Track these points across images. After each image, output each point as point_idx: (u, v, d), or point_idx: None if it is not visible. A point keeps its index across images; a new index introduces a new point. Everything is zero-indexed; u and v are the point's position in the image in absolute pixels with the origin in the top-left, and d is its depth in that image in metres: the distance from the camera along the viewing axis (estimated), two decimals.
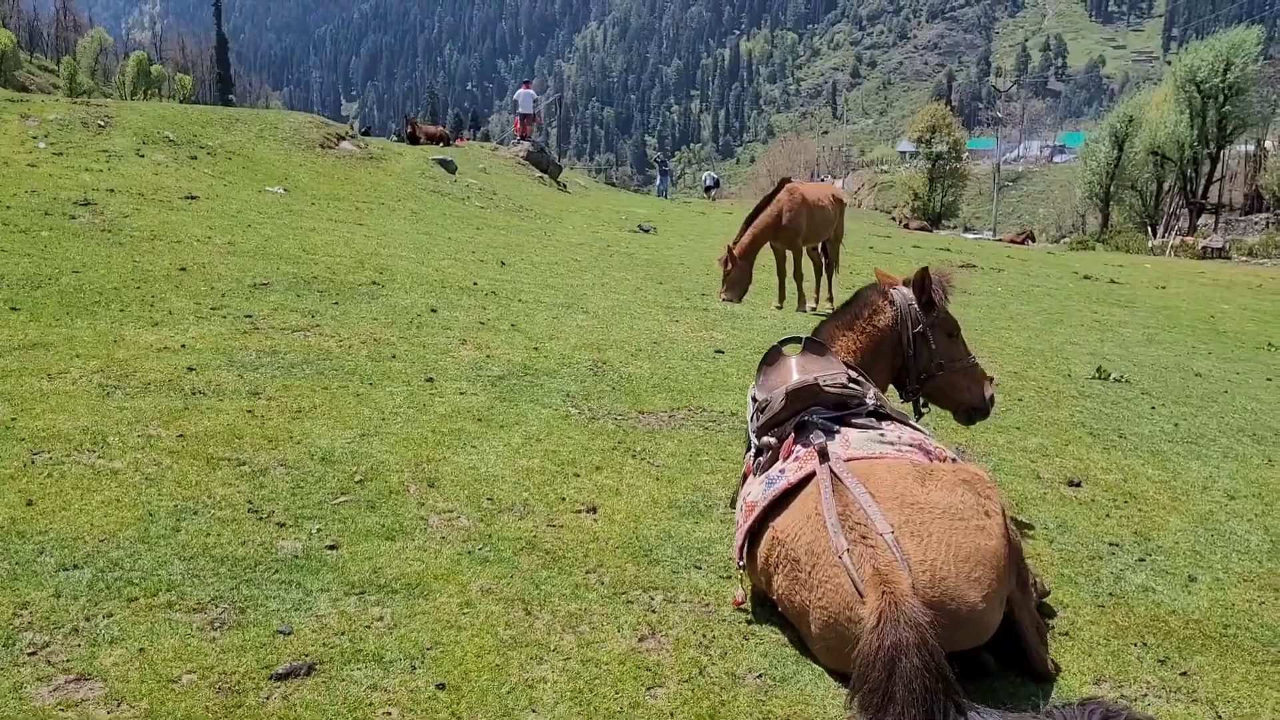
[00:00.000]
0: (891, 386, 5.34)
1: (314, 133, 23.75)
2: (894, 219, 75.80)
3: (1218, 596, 4.46)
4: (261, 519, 4.19)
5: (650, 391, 6.85)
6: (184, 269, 8.97)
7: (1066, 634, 3.97)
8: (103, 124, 20.19)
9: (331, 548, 4.00)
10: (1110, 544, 4.99)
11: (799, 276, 12.88)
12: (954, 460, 4.11)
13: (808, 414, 4.05)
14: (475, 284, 10.43)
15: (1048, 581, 4.38)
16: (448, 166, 26.71)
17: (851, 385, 4.41)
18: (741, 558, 3.92)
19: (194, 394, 5.69)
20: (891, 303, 5.17)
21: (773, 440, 4.19)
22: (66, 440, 4.80)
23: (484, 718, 3.03)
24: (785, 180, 12.98)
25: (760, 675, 3.45)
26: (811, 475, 3.79)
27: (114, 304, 7.59)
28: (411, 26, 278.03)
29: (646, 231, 24.17)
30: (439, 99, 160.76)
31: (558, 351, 7.67)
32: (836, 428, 4.01)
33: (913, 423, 4.44)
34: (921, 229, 54.57)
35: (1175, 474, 6.36)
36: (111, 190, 13.45)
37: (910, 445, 3.99)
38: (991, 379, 5.47)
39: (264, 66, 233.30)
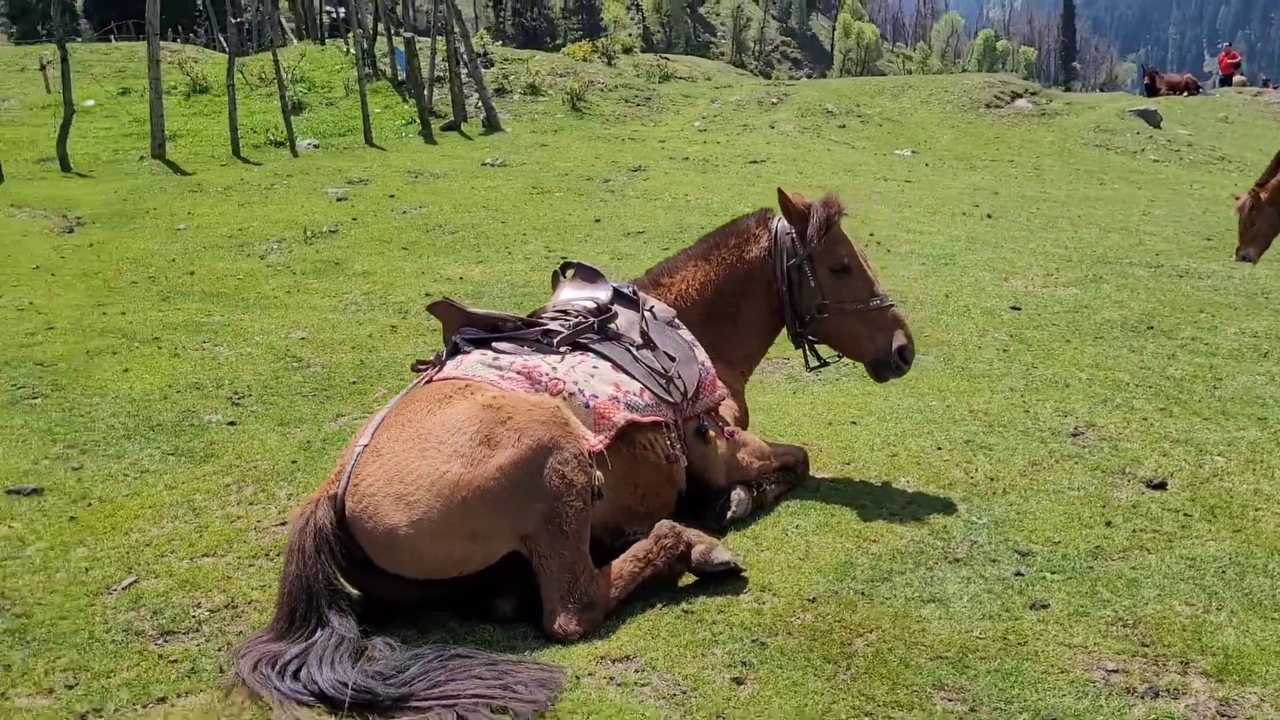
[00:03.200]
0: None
1: (984, 93, 23.33)
2: None
3: None
4: None
5: None
6: (598, 220, 10.36)
7: None
8: (776, 101, 22.74)
9: None
10: None
11: None
12: (572, 395, 3.55)
13: (459, 335, 3.83)
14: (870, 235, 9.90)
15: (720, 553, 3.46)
16: (1149, 118, 23.86)
17: (575, 312, 3.96)
18: None
19: None
20: (770, 232, 4.29)
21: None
22: None
23: None
24: None
25: None
26: None
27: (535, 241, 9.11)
28: None
29: None
30: None
31: None
32: (468, 349, 3.74)
33: (601, 351, 3.79)
34: None
35: None
36: (686, 158, 15.51)
37: (517, 373, 3.57)
38: (903, 326, 4.17)
39: (1119, 29, 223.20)
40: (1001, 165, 18.60)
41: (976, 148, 20.26)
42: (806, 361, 4.49)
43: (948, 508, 4.15)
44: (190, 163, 14.19)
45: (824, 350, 4.51)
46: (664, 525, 3.50)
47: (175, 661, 3.03)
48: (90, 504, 4.07)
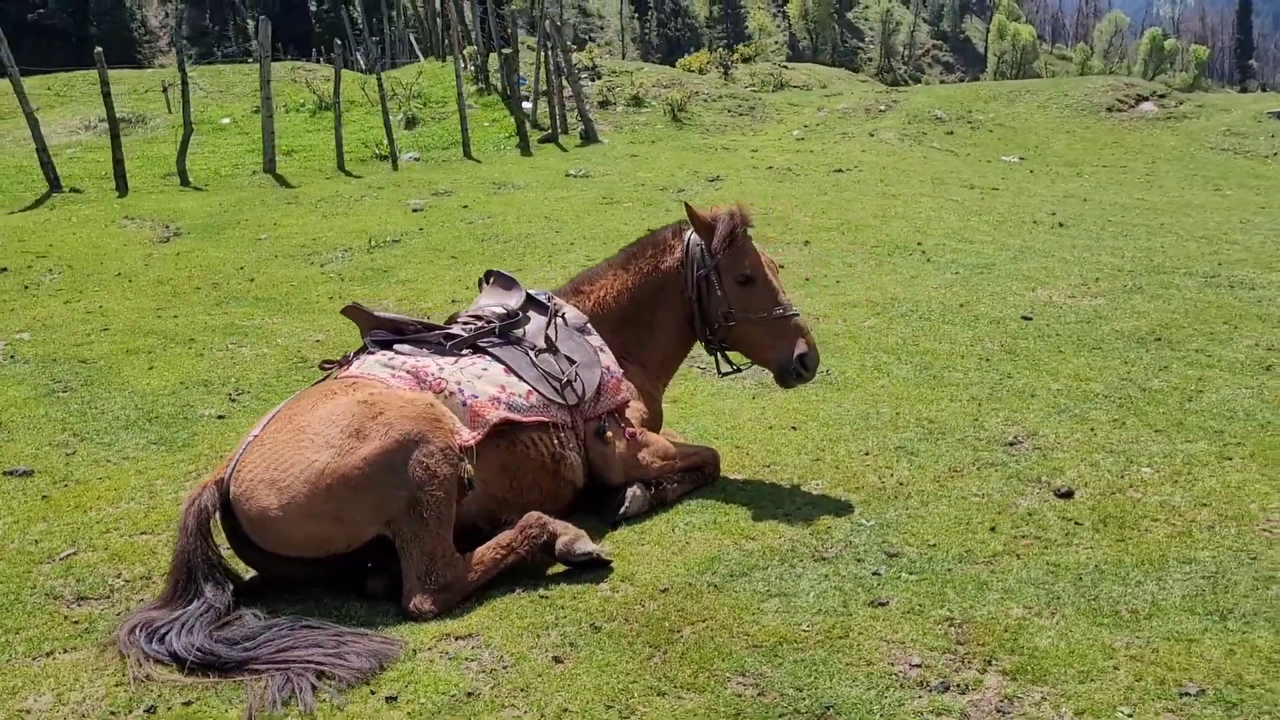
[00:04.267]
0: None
1: (1105, 97, 22.48)
2: None
3: None
4: None
5: None
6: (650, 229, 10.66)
7: None
8: (885, 108, 22.51)
9: None
10: None
11: None
12: (452, 394, 3.88)
13: (369, 336, 4.19)
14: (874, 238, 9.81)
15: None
16: None
17: (486, 318, 4.29)
18: None
19: None
20: (683, 244, 4.53)
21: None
22: None
23: None
24: None
25: None
26: None
27: (579, 250, 9.53)
28: None
29: None
30: None
31: None
32: (374, 349, 4.10)
33: (497, 355, 4.10)
34: None
35: None
36: (770, 168, 15.63)
37: (407, 372, 3.92)
38: (805, 335, 4.32)
39: None
40: (1112, 171, 17.96)
41: (1090, 153, 19.60)
42: (718, 367, 4.69)
43: (843, 510, 4.28)
44: (297, 176, 15.21)
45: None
46: (531, 516, 3.79)
47: (76, 623, 3.50)
48: (67, 485, 4.64)
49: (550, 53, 19.39)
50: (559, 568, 3.85)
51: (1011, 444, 4.95)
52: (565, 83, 19.03)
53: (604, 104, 21.17)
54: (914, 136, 19.68)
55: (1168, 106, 22.36)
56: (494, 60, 22.24)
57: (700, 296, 4.46)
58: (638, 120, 20.71)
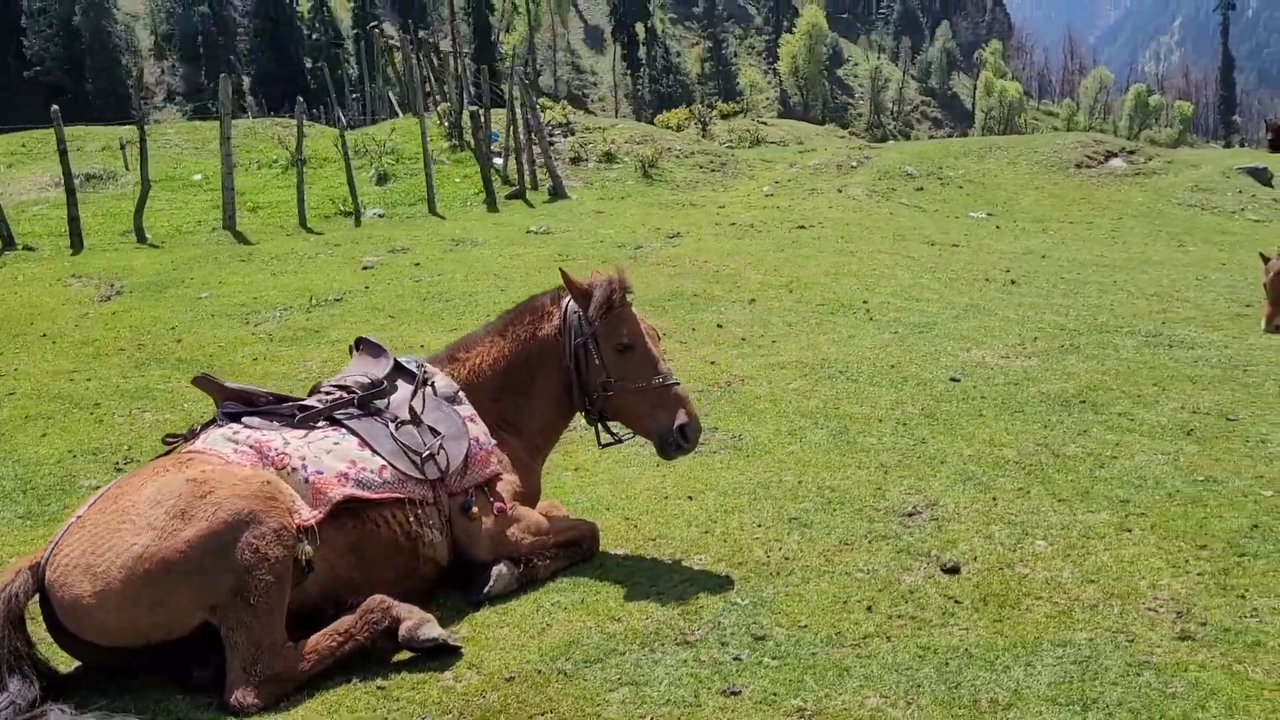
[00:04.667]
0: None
1: (1074, 153, 22.61)
2: None
3: None
4: None
5: None
6: None
7: None
8: (856, 164, 22.61)
9: None
10: None
11: None
12: (295, 470, 3.72)
13: (221, 408, 4.05)
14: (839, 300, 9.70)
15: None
16: (1259, 176, 22.64)
17: (350, 388, 4.15)
18: None
19: None
20: (561, 310, 4.41)
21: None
22: None
23: None
24: None
25: None
26: None
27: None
28: None
29: None
30: None
31: None
32: (223, 422, 3.96)
33: (353, 427, 3.96)
34: None
35: None
36: (734, 224, 15.60)
37: (250, 447, 3.77)
38: (686, 405, 4.18)
39: None
40: (1078, 227, 17.98)
41: (1057, 209, 19.65)
42: (598, 438, 4.54)
43: (720, 587, 4.11)
44: (257, 233, 15.16)
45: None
46: (374, 600, 3.61)
47: None
48: None
49: (522, 109, 19.48)
50: (405, 655, 3.67)
51: (910, 514, 4.79)
52: (535, 139, 19.11)
53: (576, 160, 21.25)
54: (882, 192, 19.73)
55: (1137, 163, 22.48)
56: (468, 117, 22.36)
57: (578, 365, 4.33)
58: (609, 176, 20.77)
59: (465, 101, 22.51)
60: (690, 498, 5.08)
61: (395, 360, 4.31)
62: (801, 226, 15.54)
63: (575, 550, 4.32)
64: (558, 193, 18.58)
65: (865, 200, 19.02)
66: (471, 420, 4.19)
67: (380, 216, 16.74)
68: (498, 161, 21.04)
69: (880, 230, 15.66)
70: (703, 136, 27.63)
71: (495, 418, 4.36)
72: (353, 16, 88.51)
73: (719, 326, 8.81)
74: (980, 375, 7.24)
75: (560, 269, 4.55)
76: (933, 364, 7.56)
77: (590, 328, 4.27)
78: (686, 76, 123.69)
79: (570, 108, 25.63)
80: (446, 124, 22.44)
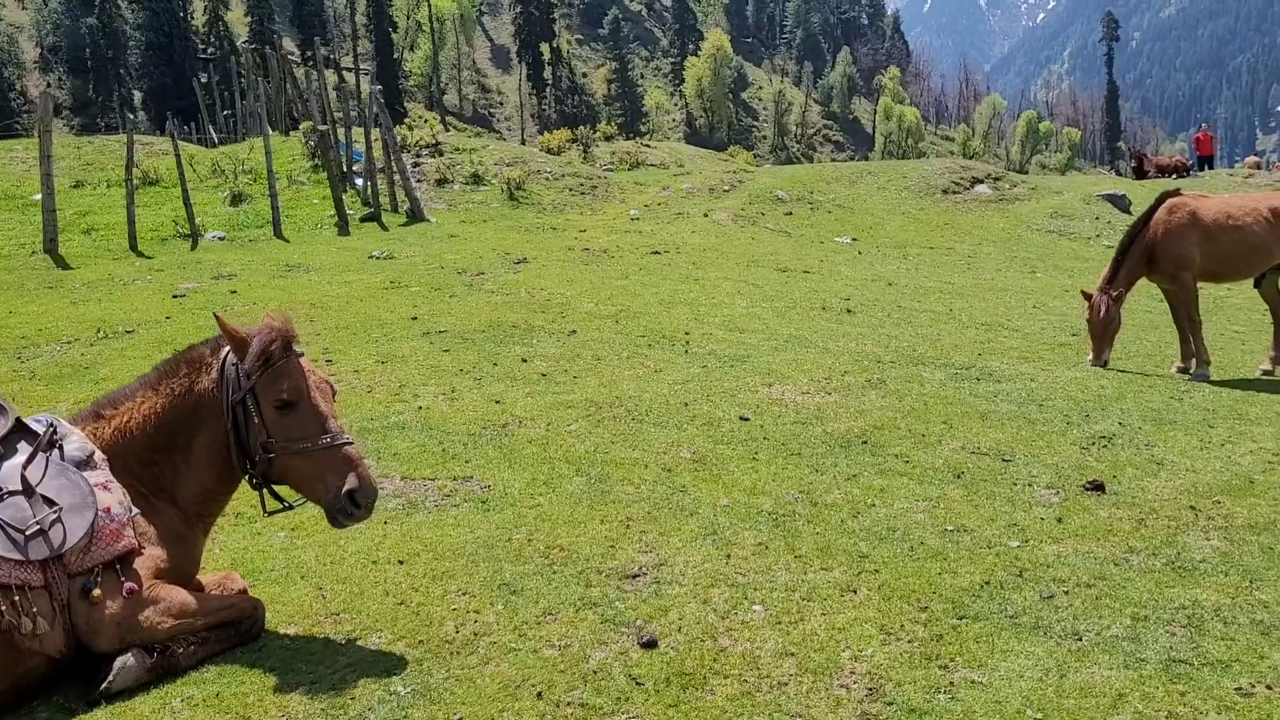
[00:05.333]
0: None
1: (943, 179, 22.91)
2: None
3: None
4: None
5: None
6: (415, 318, 10.08)
7: None
8: (729, 188, 22.54)
9: None
10: None
11: (1186, 325, 8.89)
12: None
13: None
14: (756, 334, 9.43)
15: None
16: (1118, 203, 23.28)
17: None
18: None
19: None
20: (219, 362, 3.93)
21: None
22: None
23: None
24: (1168, 193, 9.04)
25: None
26: None
27: (315, 345, 8.88)
28: None
29: None
30: None
31: None
32: None
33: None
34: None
35: None
36: (587, 249, 15.27)
37: None
38: (357, 467, 3.75)
39: (1169, 110, 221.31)
40: (937, 253, 18.11)
41: (920, 235, 19.80)
42: (263, 505, 4.08)
43: (389, 671, 3.68)
44: (82, 257, 14.29)
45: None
46: None
47: None
48: None
49: (381, 130, 18.91)
50: None
51: (633, 576, 4.44)
52: (393, 159, 18.55)
53: (442, 182, 20.73)
54: (750, 217, 19.65)
55: (1001, 189, 22.88)
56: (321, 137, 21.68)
57: (236, 424, 3.86)
58: (474, 199, 20.29)
59: (327, 120, 21.80)
60: (401, 561, 4.64)
61: (17, 419, 3.78)
62: (656, 252, 15.28)
63: (233, 632, 3.84)
64: (416, 215, 18.04)
65: (730, 225, 18.89)
66: (104, 488, 3.68)
67: (222, 240, 15.98)
68: (360, 183, 20.41)
69: (735, 256, 15.49)
70: (584, 158, 27.31)
71: (147, 483, 3.87)
72: (249, 31, 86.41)
73: (524, 361, 8.40)
74: (772, 414, 6.96)
75: (215, 315, 4.06)
76: (728, 401, 7.26)
77: (249, 382, 3.81)
78: (592, 97, 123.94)
79: (440, 127, 25.06)
80: (311, 143, 21.70)
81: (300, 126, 22.50)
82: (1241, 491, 5.54)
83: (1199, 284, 9.02)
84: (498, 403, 7.15)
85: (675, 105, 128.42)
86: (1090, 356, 8.98)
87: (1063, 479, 5.70)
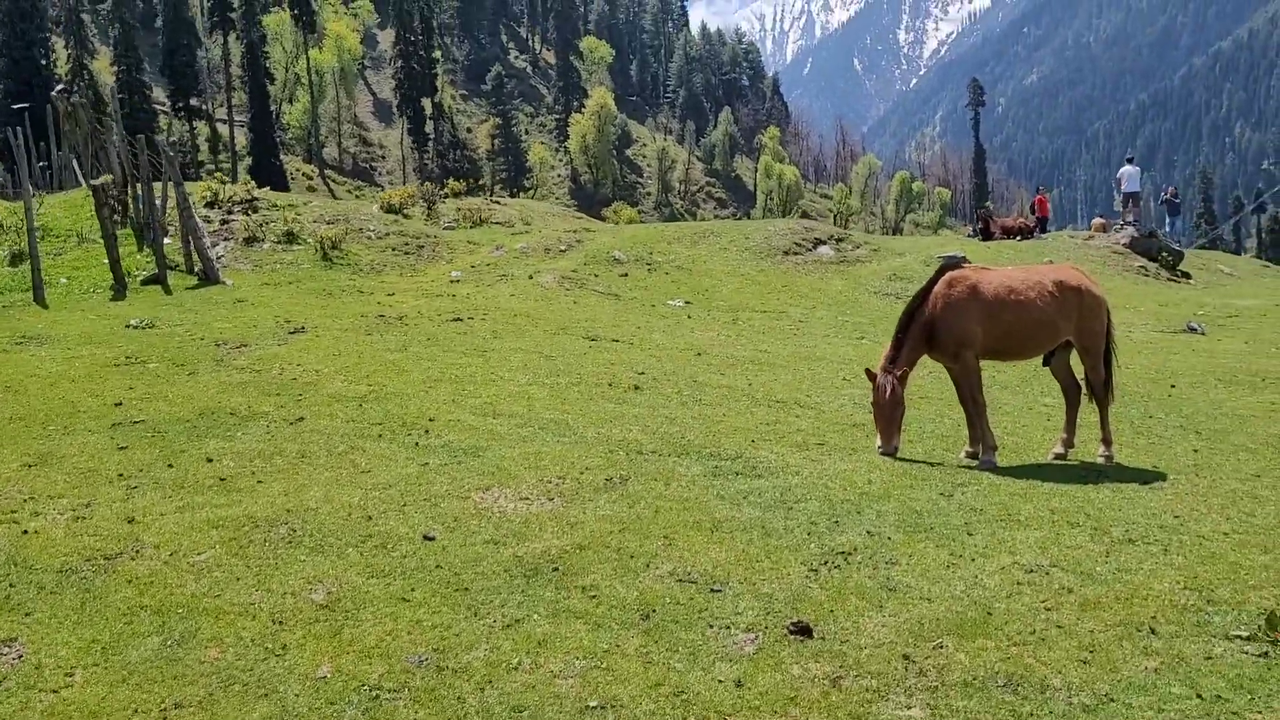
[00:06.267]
0: None
1: (784, 240, 22.43)
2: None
3: None
4: None
5: None
6: (119, 404, 8.71)
7: None
8: (566, 247, 21.59)
9: None
10: None
11: (970, 408, 8.17)
12: None
13: None
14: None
15: None
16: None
17: None
18: None
19: None
20: None
21: None
22: None
23: None
24: (949, 265, 8.38)
25: None
26: None
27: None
28: (1195, 109, 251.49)
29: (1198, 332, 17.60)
30: (1213, 183, 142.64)
31: None
32: None
33: None
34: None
35: None
36: (381, 316, 14.03)
37: None
38: None
39: (1033, 172, 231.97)
40: (768, 317, 17.42)
41: (756, 297, 19.14)
42: None
43: None
44: None
45: None
46: None
47: None
48: None
49: (173, 184, 17.41)
50: None
51: None
52: (182, 217, 17.04)
53: (251, 240, 19.23)
54: (579, 280, 18.69)
55: (844, 250, 22.52)
56: (97, 193, 20.02)
57: None
58: (285, 259, 18.85)
59: (128, 174, 20.15)
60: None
61: None
62: (459, 319, 14.13)
63: None
64: (209, 277, 16.53)
65: (554, 287, 17.89)
66: None
67: None
68: (166, 242, 18.77)
69: (546, 322, 14.45)
70: (428, 216, 26.09)
71: None
72: (117, 79, 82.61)
73: (208, 461, 7.11)
74: (467, 530, 5.84)
75: None
76: (425, 513, 6.11)
77: None
78: (475, 152, 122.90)
79: (254, 183, 23.51)
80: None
81: (100, 180, 20.73)
82: (973, 629, 4.63)
83: (984, 362, 8.31)
84: (130, 522, 5.84)
85: (560, 161, 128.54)
86: (880, 443, 8.13)
87: (770, 616, 4.72)
